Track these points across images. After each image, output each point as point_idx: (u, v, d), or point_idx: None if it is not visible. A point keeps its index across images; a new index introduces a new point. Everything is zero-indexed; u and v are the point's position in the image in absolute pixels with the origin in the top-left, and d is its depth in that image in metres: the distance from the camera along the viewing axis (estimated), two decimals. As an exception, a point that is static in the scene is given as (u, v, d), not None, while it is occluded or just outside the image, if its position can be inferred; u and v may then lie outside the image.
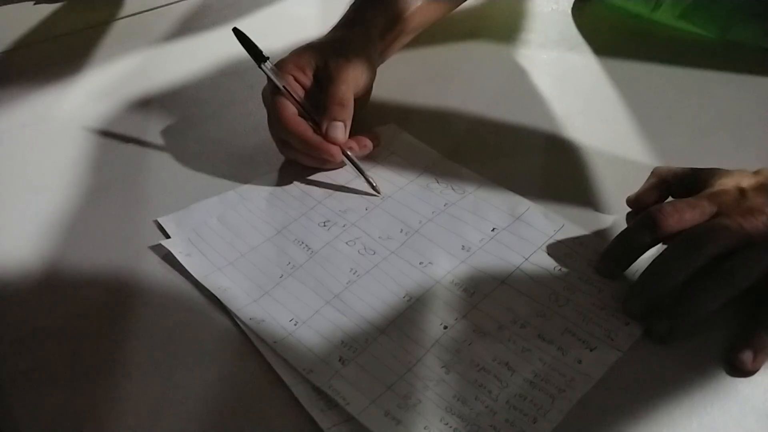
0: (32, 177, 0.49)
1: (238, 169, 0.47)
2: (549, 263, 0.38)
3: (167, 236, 0.41)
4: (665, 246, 0.35)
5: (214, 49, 0.61)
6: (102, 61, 0.62)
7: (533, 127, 0.49)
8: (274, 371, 0.33)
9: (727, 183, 0.35)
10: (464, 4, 0.61)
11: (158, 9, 0.70)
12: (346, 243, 0.40)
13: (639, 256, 0.36)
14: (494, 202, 0.42)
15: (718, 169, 0.37)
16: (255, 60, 0.45)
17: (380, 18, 0.50)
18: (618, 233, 0.37)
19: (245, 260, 0.40)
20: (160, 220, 0.42)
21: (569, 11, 0.63)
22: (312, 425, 0.31)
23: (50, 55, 0.64)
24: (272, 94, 0.44)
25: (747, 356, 0.31)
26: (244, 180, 0.46)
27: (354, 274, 0.38)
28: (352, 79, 0.44)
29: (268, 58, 0.45)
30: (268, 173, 0.46)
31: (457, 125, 0.50)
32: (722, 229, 0.33)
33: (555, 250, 0.38)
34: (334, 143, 0.43)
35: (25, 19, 0.70)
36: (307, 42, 0.48)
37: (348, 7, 0.51)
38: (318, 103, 0.44)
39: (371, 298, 0.37)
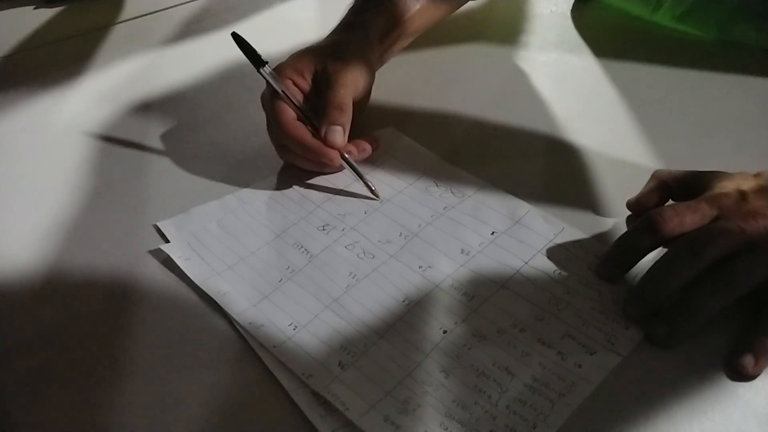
0: (32, 181, 0.49)
1: (237, 173, 0.47)
2: (549, 267, 0.38)
3: (166, 240, 0.41)
4: (665, 249, 0.35)
5: (213, 53, 0.61)
6: (102, 65, 0.62)
7: (533, 129, 0.49)
8: (273, 376, 0.33)
9: (727, 186, 0.35)
10: (463, 7, 0.61)
11: (157, 13, 0.70)
12: (345, 247, 0.40)
13: (639, 260, 0.35)
14: (494, 206, 0.42)
15: (719, 171, 0.37)
16: (254, 64, 0.45)
17: (379, 21, 0.50)
18: (618, 236, 0.37)
19: (244, 264, 0.40)
20: (160, 225, 0.42)
21: (568, 13, 0.63)
22: (311, 430, 0.31)
23: (50, 60, 0.64)
24: (271, 98, 0.44)
25: (748, 360, 0.31)
26: (244, 184, 0.45)
27: (353, 278, 0.38)
28: (350, 83, 0.44)
29: (266, 62, 0.45)
30: (267, 177, 0.46)
31: (457, 128, 0.50)
32: (723, 232, 0.33)
33: (555, 253, 0.38)
34: (333, 147, 0.43)
35: (25, 23, 0.70)
36: (306, 46, 0.48)
37: (347, 11, 0.51)
38: (317, 108, 0.44)
39: (370, 303, 0.37)
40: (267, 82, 0.45)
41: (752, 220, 0.33)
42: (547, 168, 0.46)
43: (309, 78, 0.46)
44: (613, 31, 0.60)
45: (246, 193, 0.45)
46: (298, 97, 0.45)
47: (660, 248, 0.35)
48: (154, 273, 0.40)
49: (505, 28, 0.62)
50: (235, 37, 0.46)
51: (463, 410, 0.31)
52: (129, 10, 0.71)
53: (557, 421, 0.30)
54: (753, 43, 0.54)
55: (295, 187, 0.45)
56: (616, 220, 0.40)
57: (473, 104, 0.52)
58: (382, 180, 0.45)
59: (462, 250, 0.39)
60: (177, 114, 0.54)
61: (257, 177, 0.46)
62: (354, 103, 0.44)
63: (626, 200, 0.40)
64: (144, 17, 0.70)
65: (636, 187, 0.40)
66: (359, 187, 0.44)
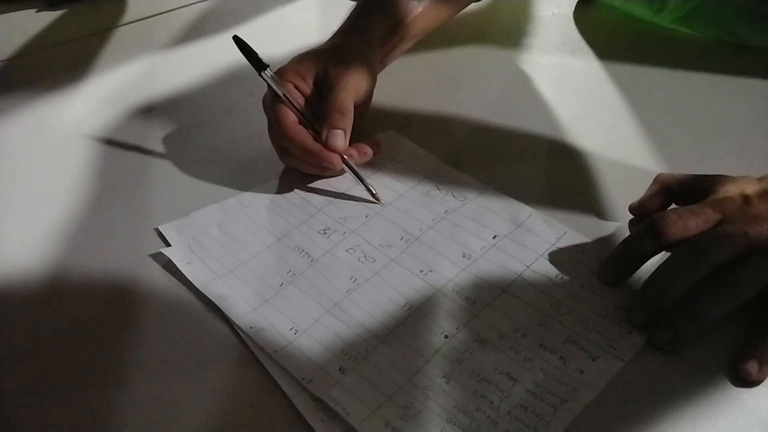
0: (34, 184, 0.49)
1: (238, 176, 0.47)
2: (551, 271, 0.37)
3: (168, 244, 0.41)
4: (668, 254, 0.35)
5: (215, 56, 0.61)
6: (104, 68, 0.62)
7: (534, 132, 0.48)
8: (273, 380, 0.33)
9: (731, 190, 0.35)
10: (465, 10, 0.61)
11: (159, 16, 0.70)
12: (346, 251, 0.40)
13: (642, 264, 0.35)
14: (495, 209, 0.42)
15: (722, 175, 0.37)
16: (255, 68, 0.45)
17: (381, 24, 0.50)
18: (621, 241, 0.36)
19: (245, 268, 0.40)
20: (161, 228, 0.42)
21: (570, 15, 0.63)
22: (312, 436, 0.31)
23: (53, 63, 0.64)
24: (272, 102, 0.44)
25: (752, 366, 0.31)
26: (245, 187, 0.45)
27: (354, 282, 0.38)
28: (352, 87, 0.44)
29: (268, 65, 0.45)
30: (268, 181, 0.46)
31: (458, 131, 0.50)
32: (726, 237, 0.32)
33: (557, 257, 0.38)
34: (334, 151, 0.43)
35: (27, 26, 0.70)
36: (308, 49, 0.48)
37: (349, 14, 0.51)
38: (318, 111, 0.44)
39: (371, 307, 0.36)
40: (268, 85, 0.45)
41: (756, 224, 0.33)
42: (549, 171, 0.45)
43: (310, 81, 0.45)
44: (615, 33, 0.60)
45: (247, 196, 0.45)
46: (299, 100, 0.45)
47: (662, 253, 0.35)
48: (155, 276, 0.39)
49: (507, 30, 0.62)
50: (237, 40, 0.46)
51: (464, 416, 0.31)
52: (131, 12, 0.71)
53: (559, 427, 0.30)
54: (756, 45, 0.54)
55: (296, 190, 0.45)
56: (618, 224, 0.40)
57: (475, 107, 0.51)
58: (383, 183, 0.45)
59: (463, 254, 0.39)
60: (178, 117, 0.54)
61: (258, 180, 0.46)
62: (355, 107, 0.44)
63: (629, 204, 0.40)
64: (146, 20, 0.70)
65: (638, 190, 0.40)
66: (360, 191, 0.44)
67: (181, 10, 0.71)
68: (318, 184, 0.45)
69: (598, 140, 0.47)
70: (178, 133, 0.52)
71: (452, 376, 0.32)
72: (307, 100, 0.45)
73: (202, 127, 0.53)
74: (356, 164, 0.44)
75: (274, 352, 0.34)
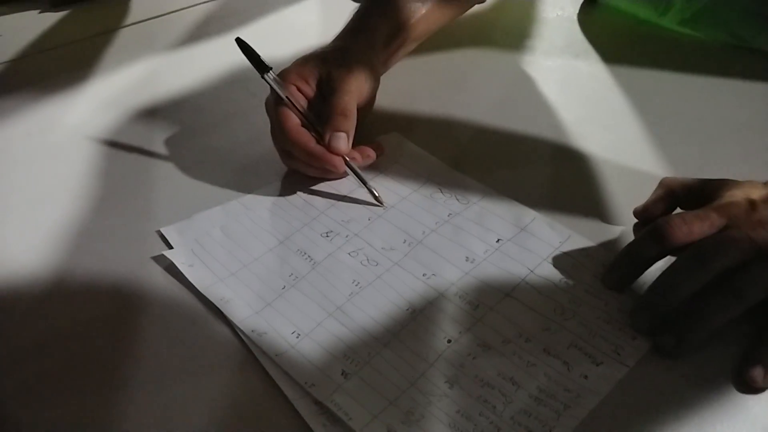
0: (36, 186, 0.48)
1: (241, 178, 0.46)
2: (555, 275, 0.37)
3: (170, 246, 0.41)
4: (673, 258, 0.34)
5: (217, 57, 0.61)
6: (107, 70, 0.62)
7: (538, 135, 0.48)
8: (275, 384, 0.33)
9: (736, 194, 0.35)
10: (468, 12, 0.61)
11: (162, 17, 0.70)
12: (349, 254, 0.40)
13: (646, 269, 0.35)
14: (499, 213, 0.42)
15: (728, 180, 0.36)
16: (258, 70, 0.45)
17: (384, 26, 0.50)
18: (625, 245, 0.36)
19: (248, 271, 0.39)
20: (163, 230, 0.42)
21: (575, 17, 0.62)
22: (314, 441, 0.30)
23: (55, 64, 0.64)
24: (275, 104, 0.44)
25: (757, 372, 0.30)
26: (247, 190, 0.45)
27: (356, 285, 0.38)
28: (355, 90, 0.44)
29: (270, 68, 0.45)
30: (271, 183, 0.46)
31: (462, 134, 0.50)
32: (732, 242, 0.32)
33: (561, 261, 0.38)
34: (337, 154, 0.42)
35: (30, 27, 0.70)
36: (311, 50, 0.47)
37: (352, 16, 0.51)
38: (321, 114, 0.44)
39: (374, 311, 0.36)
40: (271, 88, 0.45)
41: (761, 229, 0.33)
42: (553, 174, 0.45)
43: (313, 84, 0.45)
44: (620, 34, 0.60)
45: (249, 199, 0.45)
46: (302, 103, 0.45)
47: (667, 258, 0.35)
48: (157, 279, 0.39)
49: (510, 32, 0.62)
50: (240, 42, 0.46)
51: (467, 421, 0.31)
52: (134, 13, 0.71)
53: (563, 433, 0.30)
54: (762, 48, 0.53)
55: (298, 193, 0.45)
56: (623, 228, 0.39)
57: (478, 109, 0.51)
58: (386, 186, 0.45)
59: (467, 257, 0.39)
60: (181, 119, 0.54)
61: (261, 183, 0.46)
62: (358, 109, 0.44)
63: (633, 208, 0.39)
64: (148, 21, 0.70)
65: (643, 194, 0.39)
66: (363, 194, 0.44)
67: (184, 11, 0.71)
68: (320, 186, 0.45)
69: (602, 143, 0.47)
70: (181, 135, 0.52)
71: (455, 381, 0.32)
72: (310, 102, 0.45)
73: (205, 129, 0.53)
74: (359, 167, 0.44)
75: (276, 355, 0.34)
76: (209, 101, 0.56)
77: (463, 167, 0.46)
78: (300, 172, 0.46)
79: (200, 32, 0.67)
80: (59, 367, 0.35)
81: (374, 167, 0.46)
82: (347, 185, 0.45)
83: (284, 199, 0.45)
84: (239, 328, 0.36)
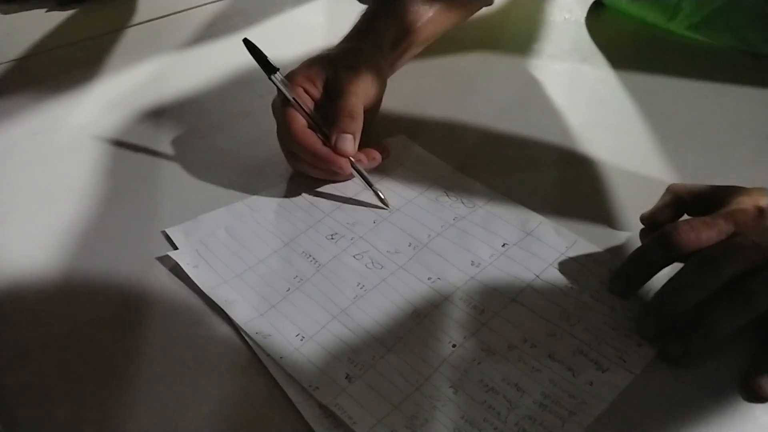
0: (42, 185, 0.49)
1: (246, 180, 0.46)
2: (560, 280, 0.37)
3: (175, 247, 0.41)
4: (680, 265, 0.34)
5: (224, 58, 0.61)
6: (113, 70, 0.62)
7: (545, 139, 0.48)
8: (279, 387, 0.33)
9: (745, 201, 0.34)
10: (475, 15, 0.61)
11: (169, 17, 0.70)
12: (354, 256, 0.40)
13: (653, 276, 0.35)
14: (505, 217, 0.41)
15: (736, 186, 0.36)
16: (265, 71, 0.45)
17: (391, 29, 0.50)
18: (632, 251, 0.36)
19: (252, 273, 0.39)
20: (168, 231, 0.42)
21: (582, 21, 0.62)
22: (317, 444, 0.30)
23: (62, 63, 0.64)
24: (282, 105, 0.44)
25: (765, 381, 0.30)
26: (253, 191, 0.45)
27: (361, 288, 0.38)
28: (362, 91, 0.44)
29: (278, 69, 0.45)
30: (276, 185, 0.46)
31: (468, 137, 0.50)
32: (740, 249, 0.32)
33: (567, 267, 0.38)
34: (343, 155, 0.42)
35: (37, 26, 0.70)
36: (317, 52, 0.47)
37: (359, 18, 0.51)
38: (328, 115, 0.44)
39: (378, 314, 0.36)
40: (278, 89, 0.45)
41: (770, 236, 0.32)
42: (560, 179, 0.45)
43: (320, 86, 0.45)
44: (627, 39, 0.59)
45: (255, 200, 0.45)
46: (309, 104, 0.44)
47: (675, 264, 0.35)
48: (162, 280, 0.39)
49: (518, 35, 0.62)
50: (247, 43, 0.46)
51: (471, 426, 0.30)
52: (141, 13, 0.71)
53: (568, 440, 0.30)
54: (770, 54, 0.53)
55: (304, 195, 0.45)
56: (629, 234, 0.39)
57: (485, 113, 0.51)
58: (391, 189, 0.44)
59: (472, 261, 0.39)
60: (187, 120, 0.54)
61: (266, 184, 0.46)
62: (365, 111, 0.44)
63: (640, 214, 0.39)
64: (155, 21, 0.70)
65: (650, 200, 0.39)
66: (369, 196, 0.44)
67: (190, 11, 0.71)
68: (326, 188, 0.45)
69: (609, 148, 0.46)
70: (187, 135, 0.52)
71: (460, 386, 0.32)
72: (316, 104, 0.45)
73: (211, 129, 0.52)
74: (365, 169, 0.44)
75: (281, 358, 0.34)
76: (215, 102, 0.56)
77: (469, 171, 0.45)
78: (305, 175, 0.45)
79: (207, 33, 0.67)
80: (63, 366, 0.35)
81: (380, 170, 0.46)
82: (353, 188, 0.45)
83: (289, 200, 0.44)
84: (243, 330, 0.36)
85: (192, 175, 0.48)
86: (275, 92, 0.46)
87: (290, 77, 0.45)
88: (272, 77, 0.45)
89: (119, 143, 0.52)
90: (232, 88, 0.57)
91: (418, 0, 0.52)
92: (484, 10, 0.62)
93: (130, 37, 0.68)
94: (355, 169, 0.43)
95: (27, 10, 0.74)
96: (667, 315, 0.33)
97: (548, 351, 0.33)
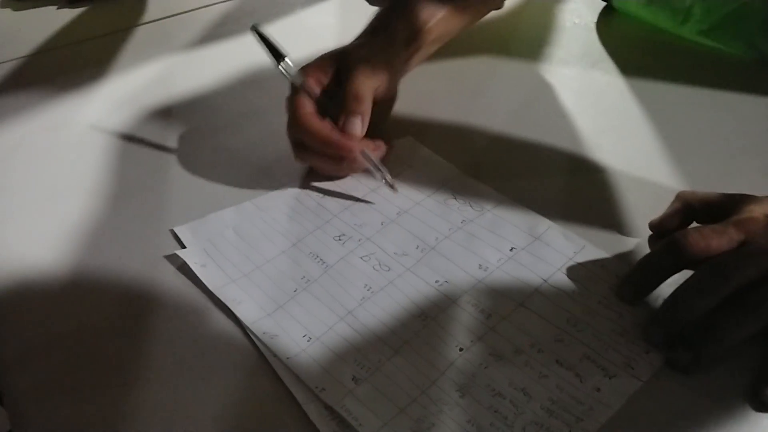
0: (51, 182, 0.49)
1: (254, 179, 0.46)
2: (568, 286, 0.37)
3: (183, 246, 0.41)
4: (688, 272, 0.34)
5: (233, 57, 0.61)
6: (123, 68, 0.62)
7: (554, 144, 0.48)
8: (285, 387, 0.33)
9: (755, 210, 0.34)
10: (485, 18, 0.61)
11: (179, 16, 0.70)
12: (361, 258, 0.40)
13: (661, 283, 0.35)
14: (513, 221, 0.41)
15: (746, 195, 0.36)
16: (274, 58, 0.45)
17: (404, 27, 0.49)
18: (641, 257, 0.36)
19: (260, 272, 0.39)
20: (176, 230, 0.42)
21: (592, 25, 0.62)
22: (323, 446, 0.30)
23: (73, 60, 0.64)
24: (291, 93, 0.44)
25: (773, 391, 0.30)
26: (261, 191, 0.45)
27: (368, 290, 0.38)
28: (370, 76, 0.44)
29: (286, 56, 0.45)
30: (284, 185, 0.46)
31: (477, 140, 0.50)
32: (750, 257, 0.32)
33: (575, 272, 0.38)
34: (352, 137, 0.42)
35: (48, 23, 0.70)
36: (329, 49, 0.47)
37: (372, 17, 0.51)
38: (338, 105, 0.44)
39: (385, 316, 0.36)
40: (286, 75, 0.44)
41: (781, 246, 0.32)
42: (568, 184, 0.45)
43: (331, 76, 0.45)
44: (638, 44, 0.59)
45: (263, 200, 0.45)
46: (318, 92, 0.44)
47: (680, 273, 0.34)
48: (169, 278, 0.39)
49: (527, 39, 0.62)
50: (255, 31, 0.46)
51: (478, 431, 0.30)
52: (151, 11, 0.72)
53: (574, 447, 0.30)
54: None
55: (312, 195, 0.45)
56: (638, 240, 0.39)
57: (494, 116, 0.51)
58: (399, 191, 0.44)
59: (480, 265, 0.39)
60: (195, 119, 0.54)
61: (275, 184, 0.46)
62: (377, 105, 0.44)
63: (649, 220, 0.39)
64: (165, 19, 0.70)
65: (659, 207, 0.39)
66: (376, 198, 0.44)
67: (200, 10, 0.71)
68: (334, 189, 0.45)
69: (618, 154, 0.46)
70: (195, 134, 0.52)
71: (466, 390, 0.32)
72: (327, 94, 0.45)
73: (220, 129, 0.53)
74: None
75: (287, 358, 0.34)
76: (224, 101, 0.56)
77: (477, 174, 0.45)
78: (313, 175, 0.45)
79: (216, 32, 0.67)
80: (70, 364, 0.36)
81: (388, 171, 0.46)
82: (361, 189, 0.45)
83: (297, 201, 0.45)
84: (250, 330, 0.36)
85: (200, 174, 0.48)
86: (285, 92, 0.46)
87: (303, 69, 0.45)
88: (281, 64, 0.44)
89: (128, 141, 0.52)
90: (241, 87, 0.57)
91: (430, 1, 0.52)
92: (494, 13, 0.62)
93: (140, 35, 0.68)
94: (363, 155, 0.43)
95: (38, 6, 0.74)
96: (676, 322, 0.33)
97: (555, 356, 0.33)
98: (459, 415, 0.31)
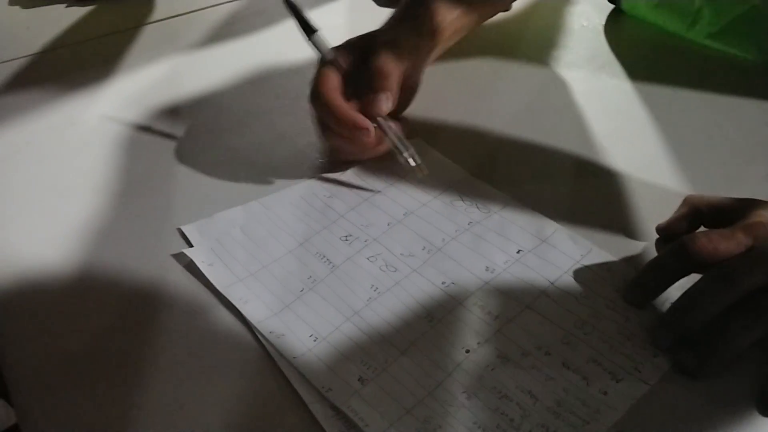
0: (58, 180, 0.49)
1: (262, 179, 0.47)
2: (575, 288, 0.37)
3: (190, 245, 0.41)
4: (696, 276, 0.34)
5: (241, 57, 0.61)
6: (131, 67, 0.62)
7: (561, 147, 0.48)
8: (292, 387, 0.33)
9: (764, 215, 0.34)
10: (492, 20, 0.61)
11: (187, 15, 0.71)
12: (368, 258, 0.40)
13: (668, 286, 0.35)
14: (520, 223, 0.41)
15: (755, 199, 0.36)
16: (305, 31, 0.45)
17: (429, 19, 0.49)
18: (648, 261, 0.36)
19: (267, 272, 0.39)
20: (184, 229, 0.43)
21: (600, 28, 0.62)
22: (329, 446, 0.30)
23: (81, 58, 0.65)
24: (318, 68, 0.44)
25: (780, 396, 0.30)
26: (268, 191, 0.45)
27: (375, 291, 0.38)
28: (398, 56, 0.43)
29: (317, 30, 0.45)
30: (291, 185, 0.46)
31: (484, 143, 0.50)
32: (759, 263, 0.32)
33: (582, 275, 0.38)
34: (377, 115, 0.42)
35: (57, 21, 0.71)
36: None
37: (398, 8, 0.50)
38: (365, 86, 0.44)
39: (392, 317, 0.36)
40: (317, 49, 0.44)
41: (789, 251, 0.32)
42: (575, 187, 0.45)
43: (358, 57, 0.45)
44: (646, 47, 0.59)
45: (270, 199, 0.45)
46: (345, 67, 0.44)
47: (685, 277, 0.34)
48: (176, 277, 0.40)
49: (535, 42, 0.62)
50: (287, 2, 0.46)
51: (484, 433, 0.30)
52: (159, 10, 0.72)
53: (581, 450, 0.30)
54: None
55: (319, 196, 0.45)
56: (646, 244, 0.39)
57: (501, 119, 0.51)
58: (406, 192, 0.44)
59: (487, 267, 0.39)
60: (203, 118, 0.54)
61: (281, 184, 0.46)
62: (401, 89, 0.44)
63: (656, 224, 0.39)
64: (174, 18, 0.70)
65: (667, 211, 0.39)
66: (383, 200, 0.44)
67: (208, 10, 0.71)
68: (341, 190, 0.45)
69: (625, 157, 0.46)
70: (203, 133, 0.52)
71: (473, 392, 0.32)
72: (354, 78, 0.44)
73: (227, 128, 0.53)
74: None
75: (294, 358, 0.34)
76: (232, 101, 0.56)
77: (484, 176, 0.45)
78: (321, 174, 0.45)
79: (224, 31, 0.67)
80: (76, 361, 0.36)
81: (394, 173, 0.46)
82: (366, 192, 0.45)
83: (304, 201, 0.45)
84: (257, 329, 0.36)
85: (208, 173, 0.48)
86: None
87: (331, 49, 0.45)
88: (312, 38, 0.44)
89: (135, 140, 0.52)
90: (249, 87, 0.57)
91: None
92: (501, 15, 0.62)
93: (148, 34, 0.68)
94: (385, 131, 0.43)
95: (47, 4, 0.74)
96: (684, 326, 0.33)
97: (562, 359, 0.33)
98: (465, 416, 0.31)
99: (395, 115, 0.46)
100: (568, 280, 0.37)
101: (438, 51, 0.52)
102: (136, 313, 0.38)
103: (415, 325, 0.36)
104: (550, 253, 0.39)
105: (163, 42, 0.66)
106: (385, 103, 0.42)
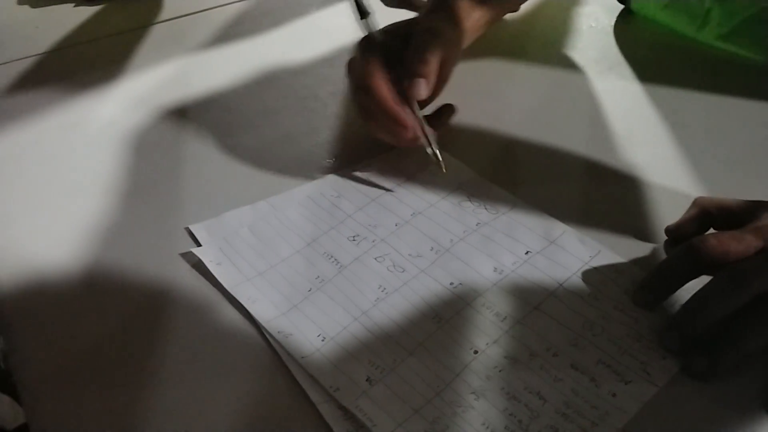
0: (67, 180, 0.49)
1: (269, 179, 0.47)
2: (584, 290, 0.37)
3: (198, 244, 0.42)
4: (706, 278, 0.34)
5: (248, 57, 0.61)
6: (139, 66, 0.62)
7: (569, 148, 0.48)
8: (300, 387, 0.33)
9: (774, 217, 0.34)
10: (500, 21, 0.60)
11: (195, 15, 0.71)
12: (375, 259, 0.40)
13: (678, 288, 0.35)
14: (528, 224, 0.41)
15: (765, 202, 0.36)
16: (359, 13, 0.45)
17: (461, 13, 0.49)
18: (657, 263, 0.36)
19: (275, 272, 0.40)
20: (192, 228, 0.43)
21: (609, 29, 0.62)
22: (337, 446, 0.30)
23: (89, 58, 0.65)
24: (360, 56, 0.44)
25: (791, 399, 0.30)
26: (276, 190, 0.45)
27: (383, 291, 0.38)
28: (438, 43, 0.43)
29: (371, 14, 0.44)
30: (299, 185, 0.46)
31: (492, 143, 0.50)
32: (770, 265, 0.32)
33: (590, 276, 0.37)
34: (417, 99, 0.42)
35: (65, 20, 0.71)
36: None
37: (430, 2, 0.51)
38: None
39: (400, 318, 0.36)
40: (368, 30, 0.44)
41: (800, 253, 0.32)
42: (583, 188, 0.45)
43: (400, 40, 0.45)
44: (655, 49, 0.59)
45: (278, 199, 0.45)
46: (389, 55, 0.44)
47: (697, 279, 0.34)
48: (184, 276, 0.40)
49: (543, 42, 0.61)
50: None
51: (492, 434, 0.30)
52: (168, 10, 0.72)
53: (589, 452, 0.29)
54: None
55: (327, 196, 0.45)
56: (655, 246, 0.39)
57: (509, 120, 0.51)
58: (414, 192, 0.44)
59: (495, 268, 0.39)
60: (211, 118, 0.54)
61: (290, 184, 0.46)
62: (441, 70, 0.44)
63: (665, 226, 0.39)
64: (182, 18, 0.70)
65: (676, 213, 0.39)
66: (391, 200, 0.44)
67: (216, 9, 0.71)
68: (349, 190, 0.45)
69: (634, 159, 0.46)
70: (211, 133, 0.52)
71: (481, 393, 0.32)
72: (393, 59, 0.45)
73: (235, 128, 0.53)
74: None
75: (302, 358, 0.34)
76: (239, 101, 0.56)
77: (492, 177, 0.45)
78: (326, 175, 0.45)
79: (232, 31, 0.67)
80: (85, 360, 0.36)
81: (403, 173, 0.46)
82: (375, 190, 0.45)
83: (312, 201, 0.45)
84: (265, 329, 0.36)
85: (215, 173, 0.48)
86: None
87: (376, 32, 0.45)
88: (365, 20, 0.44)
89: (144, 139, 0.52)
90: (256, 87, 0.57)
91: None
92: (510, 16, 0.62)
93: (156, 34, 0.68)
94: (422, 131, 0.43)
95: (55, 4, 0.75)
96: (693, 329, 0.32)
97: (571, 361, 0.33)
98: (473, 417, 0.31)
99: (427, 103, 0.46)
100: (576, 281, 0.37)
101: (464, 47, 0.52)
102: (144, 313, 0.38)
103: (423, 325, 0.36)
104: (559, 254, 0.39)
105: (171, 42, 0.66)
106: (424, 88, 0.42)
